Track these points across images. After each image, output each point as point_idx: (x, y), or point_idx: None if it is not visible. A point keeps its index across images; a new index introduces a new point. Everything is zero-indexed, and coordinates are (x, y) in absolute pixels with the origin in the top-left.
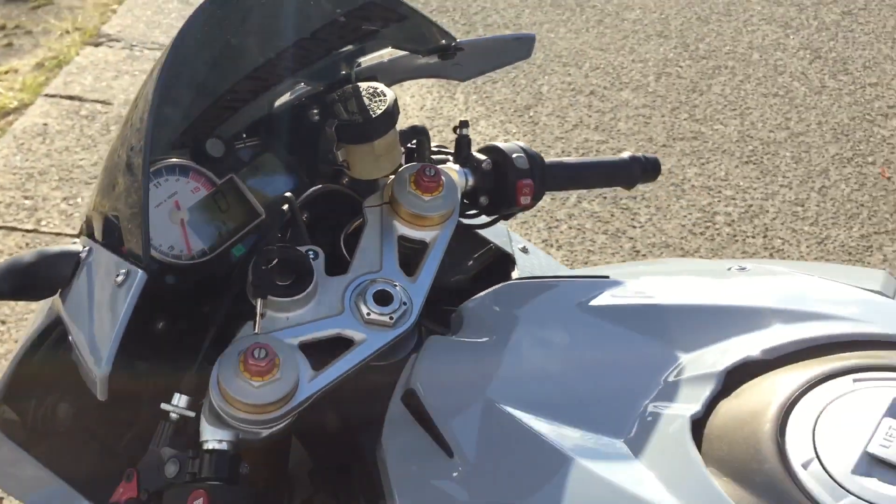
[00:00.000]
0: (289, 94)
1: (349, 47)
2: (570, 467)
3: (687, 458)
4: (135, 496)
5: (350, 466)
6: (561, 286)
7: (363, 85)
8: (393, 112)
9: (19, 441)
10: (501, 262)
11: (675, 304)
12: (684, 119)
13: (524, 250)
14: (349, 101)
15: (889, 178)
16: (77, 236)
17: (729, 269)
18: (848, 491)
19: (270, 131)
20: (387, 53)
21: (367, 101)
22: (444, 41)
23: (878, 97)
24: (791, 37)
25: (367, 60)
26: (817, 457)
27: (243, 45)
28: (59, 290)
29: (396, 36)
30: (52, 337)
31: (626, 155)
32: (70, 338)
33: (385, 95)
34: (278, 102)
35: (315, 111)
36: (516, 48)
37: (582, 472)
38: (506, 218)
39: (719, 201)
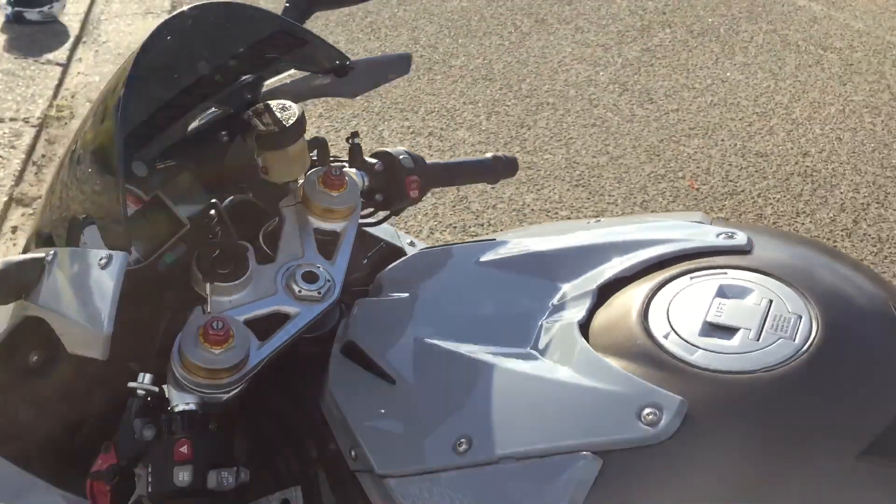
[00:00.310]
0: (199, 119)
1: (257, 73)
2: (491, 371)
3: (579, 347)
4: (115, 462)
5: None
6: (460, 249)
7: (273, 102)
8: (302, 121)
9: None
10: (393, 257)
11: (552, 249)
12: (517, 151)
13: (412, 244)
14: (263, 115)
15: (697, 189)
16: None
17: (588, 222)
18: (697, 346)
19: (185, 153)
20: (287, 76)
21: (279, 115)
22: (338, 61)
23: (680, 121)
24: (601, 73)
25: (271, 83)
26: (673, 329)
27: (165, 76)
28: (24, 294)
29: (298, 59)
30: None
31: (489, 155)
32: (52, 323)
33: (293, 109)
34: (191, 127)
35: (224, 133)
36: (397, 65)
37: (501, 372)
38: (396, 213)
39: (557, 221)
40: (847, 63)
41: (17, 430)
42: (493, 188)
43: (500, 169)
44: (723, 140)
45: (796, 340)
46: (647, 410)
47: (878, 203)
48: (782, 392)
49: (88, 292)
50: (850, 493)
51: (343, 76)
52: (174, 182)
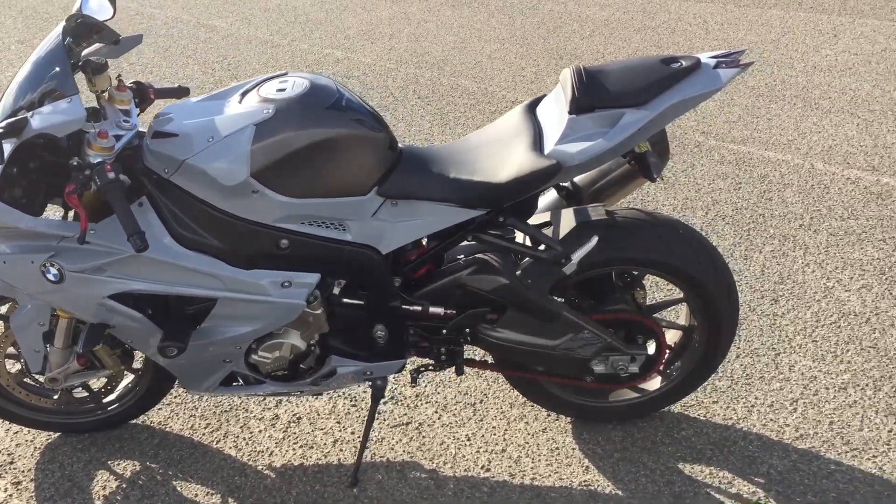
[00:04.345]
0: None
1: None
2: (218, 108)
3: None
4: (75, 186)
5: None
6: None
7: (92, 57)
8: (107, 64)
9: None
10: None
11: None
12: None
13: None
14: (90, 63)
15: None
16: None
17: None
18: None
19: None
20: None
21: (96, 62)
22: (115, 38)
23: None
24: None
25: (87, 53)
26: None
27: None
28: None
29: (102, 37)
30: None
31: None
32: None
33: (103, 60)
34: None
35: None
36: (135, 39)
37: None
38: (142, 109)
39: None
40: None
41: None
42: None
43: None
44: None
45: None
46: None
47: None
48: None
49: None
50: None
51: (117, 45)
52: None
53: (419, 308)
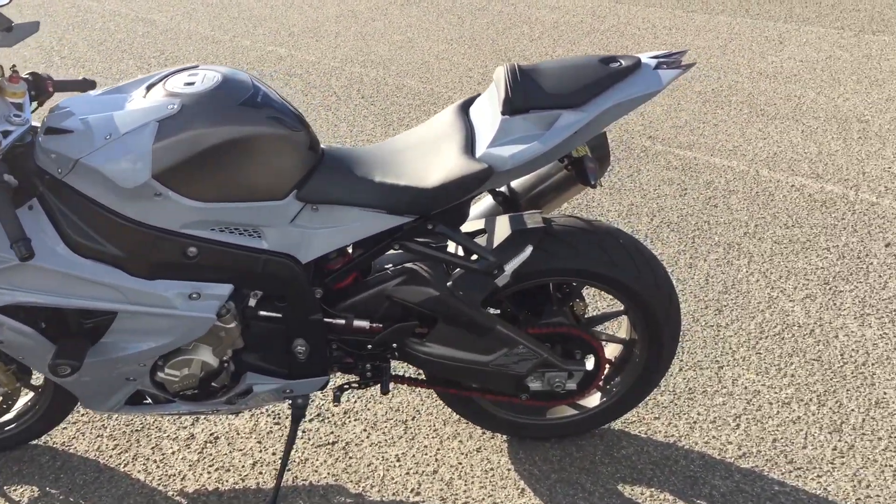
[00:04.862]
0: None
1: None
2: (118, 104)
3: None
4: None
5: None
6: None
7: None
8: None
9: None
10: None
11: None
12: None
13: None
14: None
15: None
16: None
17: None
18: None
19: None
20: None
21: None
22: (6, 25)
23: None
24: None
25: None
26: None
27: None
28: None
29: None
30: None
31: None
32: None
33: None
34: None
35: None
36: (31, 26)
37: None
38: (40, 102)
39: None
40: None
41: None
42: None
43: None
44: None
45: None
46: None
47: None
48: None
49: None
50: None
51: (9, 32)
52: None
53: (343, 321)
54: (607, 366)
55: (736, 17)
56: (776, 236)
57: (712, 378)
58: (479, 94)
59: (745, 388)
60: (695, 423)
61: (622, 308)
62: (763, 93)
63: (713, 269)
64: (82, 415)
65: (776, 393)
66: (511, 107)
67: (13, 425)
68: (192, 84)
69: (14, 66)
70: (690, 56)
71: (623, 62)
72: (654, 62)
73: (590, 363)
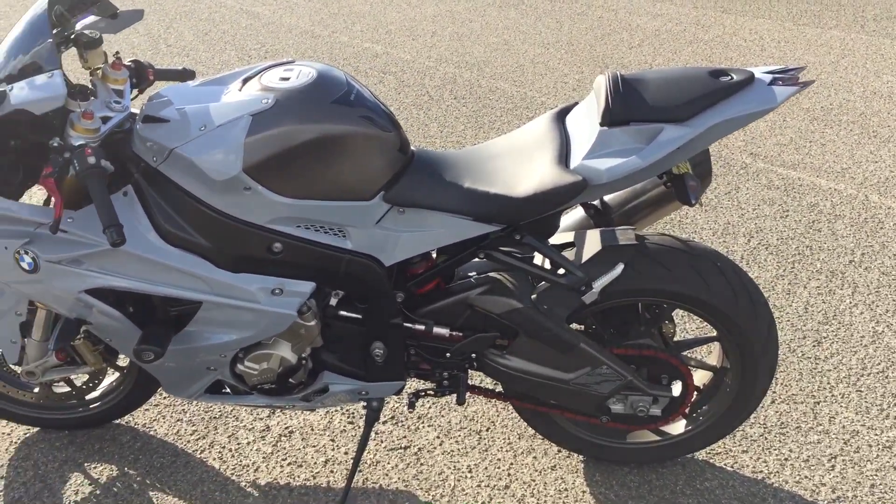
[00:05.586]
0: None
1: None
2: (213, 96)
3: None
4: (52, 169)
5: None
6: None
7: (86, 31)
8: (101, 38)
9: None
10: None
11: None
12: None
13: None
14: (82, 35)
15: None
16: None
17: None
18: None
19: None
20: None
21: (89, 35)
22: (111, 11)
23: None
24: None
25: (81, 26)
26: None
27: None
28: None
29: (100, 9)
30: None
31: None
32: None
33: (97, 34)
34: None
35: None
36: (135, 14)
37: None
38: (141, 89)
39: None
40: None
41: None
42: None
43: None
44: None
45: None
46: None
47: None
48: None
49: None
50: None
51: (115, 19)
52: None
53: (422, 327)
54: (695, 393)
55: (850, 33)
56: (884, 266)
57: (807, 413)
58: (576, 103)
59: (843, 427)
60: (786, 460)
61: (715, 334)
62: (877, 113)
63: (813, 297)
64: (164, 398)
65: (877, 435)
66: (610, 118)
67: (98, 403)
68: (287, 79)
69: (117, 52)
70: (806, 73)
71: (735, 76)
72: (768, 77)
73: (676, 389)
